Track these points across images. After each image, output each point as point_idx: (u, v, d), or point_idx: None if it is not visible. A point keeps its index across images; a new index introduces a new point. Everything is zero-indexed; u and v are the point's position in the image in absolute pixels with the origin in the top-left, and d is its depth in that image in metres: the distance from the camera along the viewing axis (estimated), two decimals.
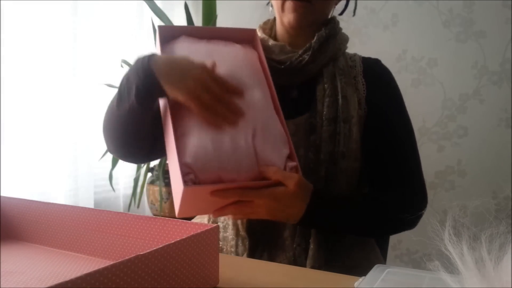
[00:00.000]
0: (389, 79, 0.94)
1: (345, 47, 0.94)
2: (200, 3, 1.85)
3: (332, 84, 0.87)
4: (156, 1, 1.84)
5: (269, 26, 0.96)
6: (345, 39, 0.94)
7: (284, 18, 0.88)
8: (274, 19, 0.96)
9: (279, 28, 0.94)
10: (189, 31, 0.81)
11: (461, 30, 1.78)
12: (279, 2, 0.87)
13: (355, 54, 0.95)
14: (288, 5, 0.85)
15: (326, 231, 0.81)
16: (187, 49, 0.77)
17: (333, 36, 0.90)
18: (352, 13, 1.02)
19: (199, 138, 0.67)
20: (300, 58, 0.87)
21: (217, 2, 1.84)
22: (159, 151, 0.84)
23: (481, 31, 1.74)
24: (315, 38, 0.87)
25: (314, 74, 0.90)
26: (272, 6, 0.93)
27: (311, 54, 0.87)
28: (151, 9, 1.83)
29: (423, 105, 1.84)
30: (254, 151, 0.69)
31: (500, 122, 1.73)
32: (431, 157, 1.84)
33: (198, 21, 1.87)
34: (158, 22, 1.86)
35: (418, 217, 0.82)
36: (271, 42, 0.91)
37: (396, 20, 1.89)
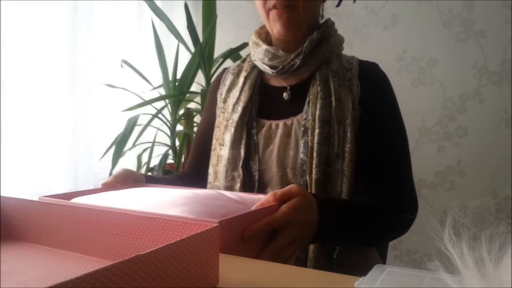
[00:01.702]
0: (384, 83, 0.94)
1: (340, 49, 0.95)
2: (200, 3, 1.85)
3: (325, 87, 0.88)
4: (156, 1, 1.84)
5: (265, 31, 0.97)
6: (339, 42, 0.94)
7: (273, 29, 0.89)
8: None
9: (272, 35, 0.95)
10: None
11: (461, 30, 1.78)
12: (264, 14, 0.88)
13: (352, 57, 0.95)
14: (273, 15, 0.86)
15: (342, 231, 0.74)
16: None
17: (325, 39, 0.91)
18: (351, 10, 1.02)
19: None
20: (292, 63, 0.89)
21: (217, 2, 1.84)
22: None
23: (481, 31, 1.74)
24: (306, 43, 0.88)
25: (307, 76, 0.91)
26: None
27: (302, 58, 0.88)
28: (151, 9, 1.82)
29: (423, 105, 1.84)
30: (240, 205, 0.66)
31: (500, 122, 1.73)
32: (431, 157, 1.84)
33: (198, 21, 1.87)
34: (158, 22, 1.86)
35: (410, 221, 0.81)
36: (264, 46, 0.92)
37: (396, 20, 1.89)
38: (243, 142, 0.89)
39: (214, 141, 0.96)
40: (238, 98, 0.94)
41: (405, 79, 1.86)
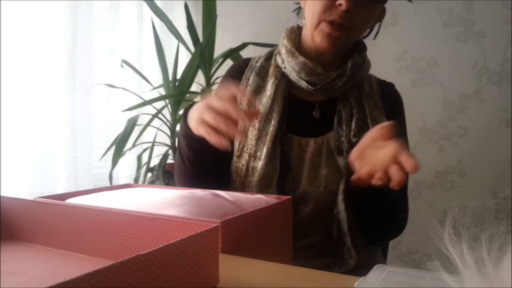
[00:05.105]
0: (402, 105, 0.97)
1: (368, 71, 0.95)
2: (200, 3, 1.85)
3: (359, 108, 0.88)
4: (156, 1, 1.84)
5: (294, 36, 0.92)
6: (369, 64, 0.95)
7: (317, 38, 0.84)
8: (298, 26, 0.94)
9: (307, 41, 0.90)
10: None
11: (461, 30, 1.77)
12: (314, 20, 0.83)
13: (370, 76, 0.96)
14: (324, 27, 0.82)
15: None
16: None
17: (363, 62, 0.91)
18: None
19: None
20: (333, 83, 0.87)
21: (217, 2, 1.84)
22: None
23: (481, 31, 1.74)
24: (349, 65, 0.87)
25: (337, 95, 0.91)
26: (303, 17, 0.89)
27: (345, 80, 0.87)
28: (151, 9, 1.82)
29: (423, 105, 1.84)
30: None
31: (500, 122, 1.72)
32: (431, 157, 1.84)
33: (198, 21, 1.87)
34: (158, 22, 1.86)
35: (403, 221, 0.86)
36: (301, 59, 0.87)
37: (396, 20, 1.89)
38: (278, 158, 0.86)
39: (237, 145, 0.89)
40: (271, 108, 0.88)
41: (405, 79, 1.86)
